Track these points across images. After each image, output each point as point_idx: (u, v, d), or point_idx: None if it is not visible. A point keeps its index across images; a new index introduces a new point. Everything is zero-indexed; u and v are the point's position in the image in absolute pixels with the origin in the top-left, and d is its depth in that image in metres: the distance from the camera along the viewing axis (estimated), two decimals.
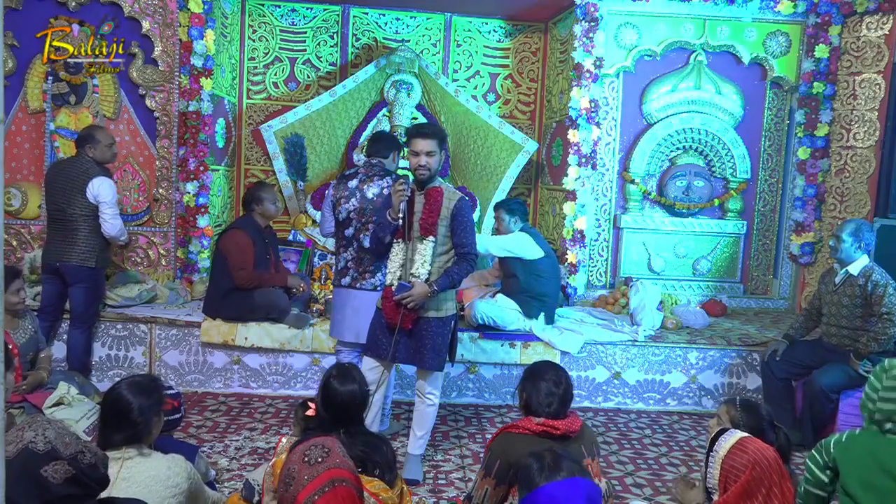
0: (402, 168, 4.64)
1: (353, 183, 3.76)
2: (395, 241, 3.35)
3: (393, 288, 3.29)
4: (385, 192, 3.66)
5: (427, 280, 3.25)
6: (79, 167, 4.28)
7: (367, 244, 3.65)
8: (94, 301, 4.44)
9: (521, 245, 4.58)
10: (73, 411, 3.41)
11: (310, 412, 2.46)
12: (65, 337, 4.47)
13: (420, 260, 3.26)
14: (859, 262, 4.04)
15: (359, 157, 5.67)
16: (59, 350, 4.52)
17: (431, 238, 3.27)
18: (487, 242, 4.64)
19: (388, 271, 3.37)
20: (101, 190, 4.23)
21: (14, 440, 1.60)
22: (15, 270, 3.75)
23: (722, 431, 2.25)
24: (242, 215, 4.56)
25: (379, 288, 3.62)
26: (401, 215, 3.24)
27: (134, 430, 2.13)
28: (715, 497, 2.19)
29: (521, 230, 4.66)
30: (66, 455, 1.60)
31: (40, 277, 4.56)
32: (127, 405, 2.13)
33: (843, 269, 4.10)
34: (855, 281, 4.03)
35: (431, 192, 3.31)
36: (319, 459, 1.73)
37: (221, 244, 4.38)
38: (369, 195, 3.69)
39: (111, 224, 4.27)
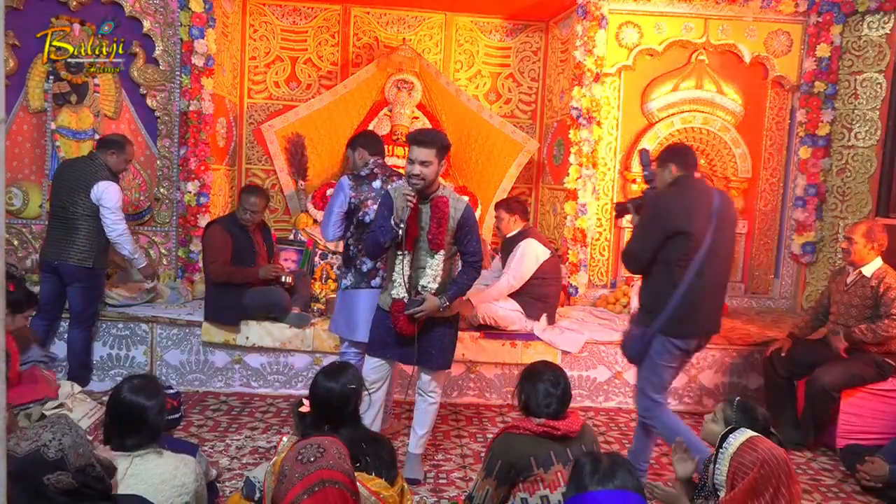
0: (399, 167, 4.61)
1: (377, 183, 3.64)
2: (397, 252, 3.24)
3: (405, 301, 3.22)
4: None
5: (436, 290, 3.22)
6: (88, 168, 4.29)
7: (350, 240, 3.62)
8: (92, 301, 4.43)
9: (536, 255, 4.53)
10: (74, 411, 3.42)
11: (303, 408, 2.46)
12: (65, 336, 4.48)
13: (432, 274, 3.21)
14: (873, 264, 4.03)
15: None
16: (59, 349, 4.52)
17: (442, 252, 3.21)
18: (514, 279, 4.51)
19: (395, 283, 3.24)
20: (105, 194, 4.22)
21: (32, 437, 1.56)
22: None
23: (733, 429, 2.25)
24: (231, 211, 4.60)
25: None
26: (402, 226, 3.13)
27: (152, 432, 2.12)
28: (722, 494, 2.20)
29: (521, 231, 4.65)
30: (74, 467, 1.55)
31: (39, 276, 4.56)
32: (143, 409, 2.11)
33: (856, 270, 4.09)
34: (867, 282, 4.01)
35: (438, 202, 3.18)
36: (312, 458, 1.72)
37: (202, 240, 4.39)
38: None
39: (112, 228, 4.26)
